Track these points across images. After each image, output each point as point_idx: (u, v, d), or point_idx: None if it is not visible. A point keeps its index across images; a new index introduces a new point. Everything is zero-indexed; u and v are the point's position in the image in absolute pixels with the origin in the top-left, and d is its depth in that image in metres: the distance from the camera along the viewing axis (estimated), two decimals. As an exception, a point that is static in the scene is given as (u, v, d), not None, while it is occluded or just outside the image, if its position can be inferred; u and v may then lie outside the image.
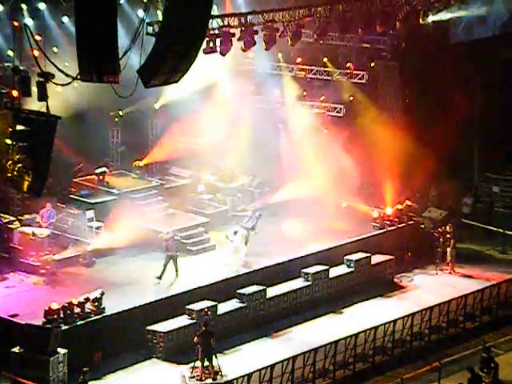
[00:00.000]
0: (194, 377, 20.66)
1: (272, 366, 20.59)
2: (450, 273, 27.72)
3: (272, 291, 24.45)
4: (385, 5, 27.48)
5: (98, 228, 26.43)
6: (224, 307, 23.43)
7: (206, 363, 20.69)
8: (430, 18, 30.04)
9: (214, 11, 25.73)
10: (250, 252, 26.62)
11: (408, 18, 28.97)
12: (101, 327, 21.66)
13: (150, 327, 22.22)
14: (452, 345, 23.26)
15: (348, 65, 31.14)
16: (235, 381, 20.42)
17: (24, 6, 25.98)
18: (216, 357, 20.78)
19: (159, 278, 24.25)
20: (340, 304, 25.19)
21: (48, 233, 25.65)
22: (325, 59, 31.31)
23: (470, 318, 24.67)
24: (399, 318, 23.32)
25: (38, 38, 22.70)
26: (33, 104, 17.08)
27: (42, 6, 26.60)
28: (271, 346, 22.88)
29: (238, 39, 25.11)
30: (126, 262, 24.76)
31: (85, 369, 19.73)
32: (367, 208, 29.39)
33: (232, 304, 23.72)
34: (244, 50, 26.02)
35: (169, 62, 13.15)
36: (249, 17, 25.28)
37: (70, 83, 15.18)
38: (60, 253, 25.33)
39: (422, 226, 29.09)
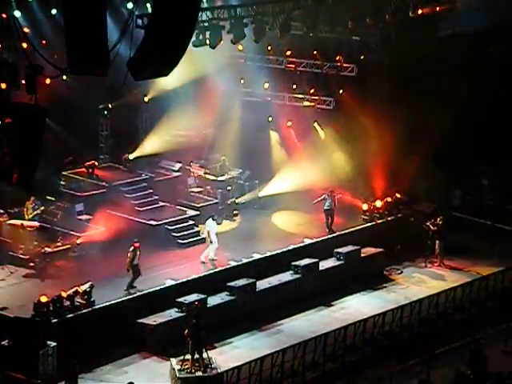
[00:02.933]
0: (183, 369, 20.65)
1: (262, 359, 20.62)
2: (439, 265, 27.78)
3: (262, 284, 24.47)
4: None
5: (87, 221, 26.37)
6: (214, 300, 23.44)
7: (196, 356, 20.69)
8: (420, 11, 30.08)
9: (204, 3, 25.70)
10: (239, 245, 26.68)
11: (398, 10, 28.98)
12: (90, 320, 21.65)
13: (139, 320, 22.22)
14: (441, 337, 23.31)
15: (337, 57, 31.09)
16: (225, 373, 20.45)
17: (12, -2, 25.76)
18: (206, 349, 20.78)
19: (131, 287, 23.57)
20: (330, 296, 25.21)
21: (37, 225, 25.59)
22: (314, 52, 31.24)
23: (459, 311, 24.75)
24: (389, 311, 23.38)
25: (26, 30, 22.63)
26: (22, 97, 17.00)
27: (30, -3, 26.39)
28: (261, 339, 22.91)
29: (228, 32, 25.09)
30: (116, 255, 24.70)
31: (74, 361, 19.72)
32: (357, 201, 29.41)
33: (222, 297, 23.74)
34: (233, 43, 26.01)
35: (158, 55, 13.10)
36: (238, 9, 25.28)
37: (59, 76, 15.14)
38: (49, 246, 25.27)
39: (412, 218, 29.11)
